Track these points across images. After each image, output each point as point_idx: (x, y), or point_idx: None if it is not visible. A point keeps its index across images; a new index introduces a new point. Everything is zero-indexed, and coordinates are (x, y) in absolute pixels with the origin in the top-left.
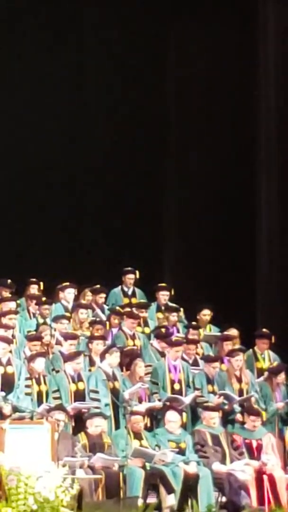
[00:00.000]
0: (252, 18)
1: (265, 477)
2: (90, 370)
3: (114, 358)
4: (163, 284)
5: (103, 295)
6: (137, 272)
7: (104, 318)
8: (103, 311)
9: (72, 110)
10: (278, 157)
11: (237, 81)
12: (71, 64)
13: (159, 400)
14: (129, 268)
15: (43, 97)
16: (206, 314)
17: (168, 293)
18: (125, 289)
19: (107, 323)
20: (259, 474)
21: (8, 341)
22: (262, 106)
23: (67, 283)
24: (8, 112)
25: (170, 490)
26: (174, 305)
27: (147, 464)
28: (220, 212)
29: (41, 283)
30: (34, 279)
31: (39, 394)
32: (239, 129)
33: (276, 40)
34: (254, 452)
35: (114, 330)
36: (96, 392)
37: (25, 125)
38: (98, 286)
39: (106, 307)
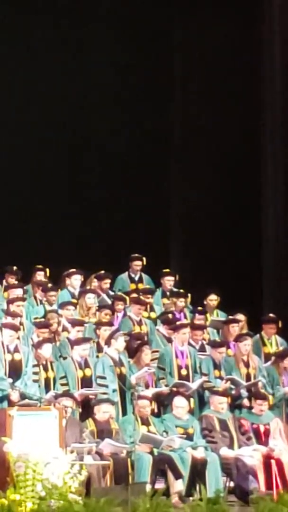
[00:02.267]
0: (257, 7)
1: (273, 461)
2: (97, 357)
3: (120, 342)
4: (168, 270)
5: (108, 280)
6: (144, 259)
7: (109, 303)
8: (108, 297)
9: (76, 97)
10: (284, 143)
11: (243, 70)
12: (73, 49)
13: (166, 385)
14: (136, 255)
15: (46, 80)
16: (213, 299)
17: (173, 278)
18: (132, 275)
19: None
20: (267, 459)
21: (16, 328)
22: (268, 94)
23: (73, 270)
24: (12, 99)
25: (178, 476)
26: (181, 290)
27: (155, 450)
28: (226, 198)
29: (47, 270)
30: (40, 266)
31: (47, 380)
32: (245, 116)
33: (282, 29)
34: (261, 436)
35: (119, 316)
36: (104, 378)
37: (28, 112)
38: (102, 272)
39: (111, 293)
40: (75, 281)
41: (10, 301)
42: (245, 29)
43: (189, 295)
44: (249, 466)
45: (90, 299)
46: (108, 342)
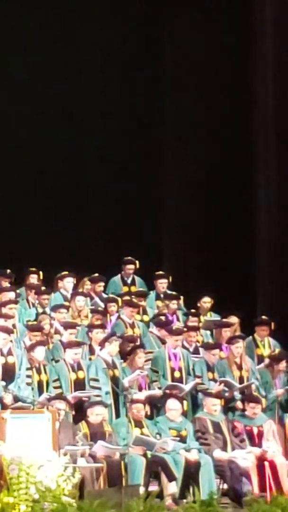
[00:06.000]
0: (249, 4)
1: (266, 463)
2: (90, 359)
3: (113, 347)
4: (161, 272)
5: (102, 283)
6: (137, 262)
7: (103, 306)
8: (102, 300)
9: (72, 100)
10: (276, 142)
11: (234, 68)
12: (66, 46)
13: (159, 388)
14: (129, 258)
15: (40, 74)
16: (206, 301)
17: (166, 281)
18: (125, 277)
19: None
20: (261, 461)
21: (9, 331)
22: (260, 91)
23: (66, 272)
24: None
25: (171, 478)
26: (173, 293)
27: (148, 452)
28: (219, 200)
29: (41, 273)
30: (33, 269)
31: (40, 383)
32: (237, 113)
33: (273, 26)
34: (255, 439)
35: (113, 319)
36: (97, 380)
37: (21, 111)
38: (96, 274)
39: (105, 295)
40: (67, 283)
41: (2, 304)
42: (237, 24)
43: (181, 297)
44: (242, 468)
45: (80, 302)
46: (102, 345)
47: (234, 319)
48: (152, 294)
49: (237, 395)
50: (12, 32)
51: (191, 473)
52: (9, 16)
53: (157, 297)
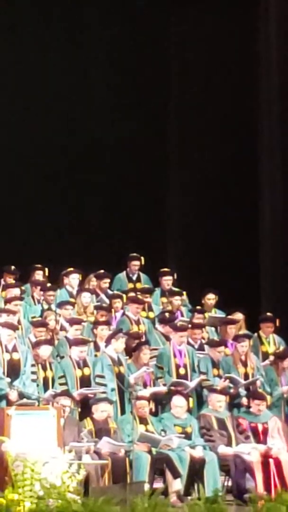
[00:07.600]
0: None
1: (271, 460)
2: (96, 356)
3: (120, 343)
4: (166, 269)
5: (107, 280)
6: (142, 259)
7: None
8: (107, 297)
9: (72, 99)
10: (280, 142)
11: (238, 66)
12: (71, 47)
13: (164, 385)
14: (134, 254)
15: (43, 75)
16: (211, 298)
17: (171, 277)
18: (130, 274)
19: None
20: (265, 458)
21: (14, 327)
22: (264, 89)
23: (72, 269)
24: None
25: (176, 475)
26: (177, 289)
27: (153, 449)
28: (223, 197)
29: (46, 269)
30: (39, 265)
31: (45, 380)
32: (242, 113)
33: (278, 26)
34: (260, 435)
35: (118, 315)
36: (102, 377)
37: (27, 114)
38: (102, 271)
39: (110, 292)
40: (73, 280)
41: (7, 301)
42: (241, 22)
43: (184, 293)
44: (247, 462)
45: (86, 298)
46: (108, 341)
47: (239, 316)
48: (157, 291)
49: (242, 391)
50: (12, 31)
51: (196, 470)
52: (10, 15)
53: (162, 294)
